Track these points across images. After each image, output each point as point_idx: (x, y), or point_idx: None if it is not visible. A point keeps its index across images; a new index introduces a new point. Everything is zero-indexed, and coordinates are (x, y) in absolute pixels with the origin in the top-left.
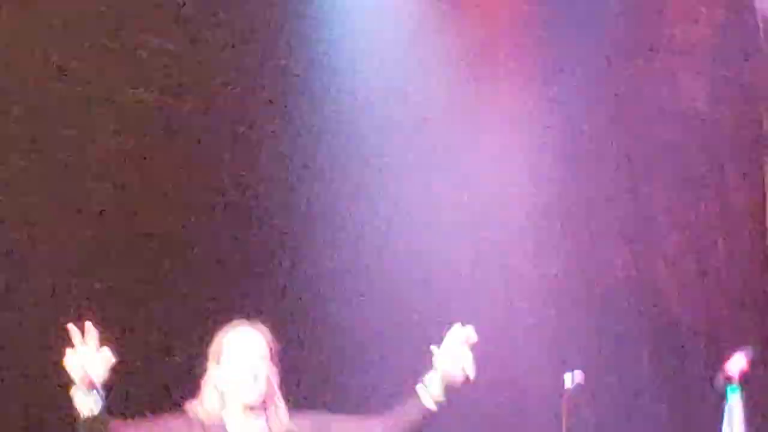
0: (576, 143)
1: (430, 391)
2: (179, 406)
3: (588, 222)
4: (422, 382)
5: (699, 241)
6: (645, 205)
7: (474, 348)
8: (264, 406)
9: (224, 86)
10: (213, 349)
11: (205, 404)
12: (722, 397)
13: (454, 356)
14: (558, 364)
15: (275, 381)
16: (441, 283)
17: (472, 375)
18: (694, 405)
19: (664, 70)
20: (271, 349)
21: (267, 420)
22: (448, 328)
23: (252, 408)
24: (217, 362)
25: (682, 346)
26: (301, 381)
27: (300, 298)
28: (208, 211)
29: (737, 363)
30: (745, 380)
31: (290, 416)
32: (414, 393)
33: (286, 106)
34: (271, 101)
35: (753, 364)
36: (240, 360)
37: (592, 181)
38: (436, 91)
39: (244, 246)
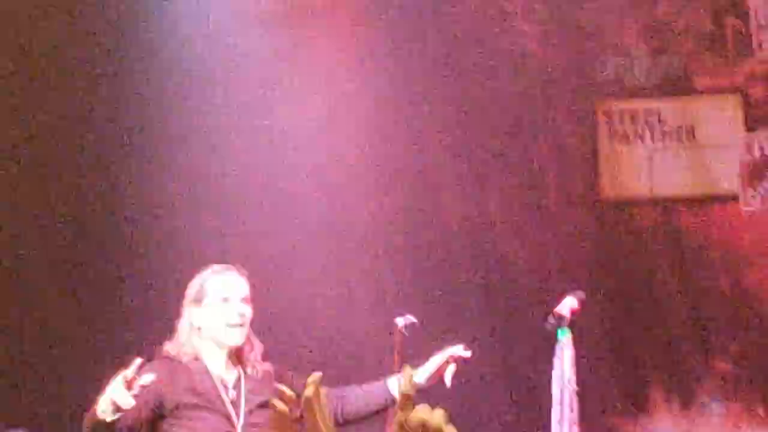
0: (408, 87)
1: (401, 383)
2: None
3: (420, 165)
4: (395, 376)
5: (532, 183)
6: (479, 148)
7: (306, 298)
8: (241, 351)
9: None
10: (192, 291)
11: (184, 346)
12: (552, 338)
13: (443, 368)
14: (391, 307)
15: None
16: (271, 233)
17: (448, 385)
18: (524, 345)
19: (497, 13)
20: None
21: (245, 361)
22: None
23: (233, 349)
24: (198, 304)
25: (515, 287)
26: None
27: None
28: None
29: (568, 304)
30: (575, 321)
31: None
32: (381, 380)
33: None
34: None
35: (583, 305)
36: (227, 303)
37: (424, 125)
38: (257, 40)
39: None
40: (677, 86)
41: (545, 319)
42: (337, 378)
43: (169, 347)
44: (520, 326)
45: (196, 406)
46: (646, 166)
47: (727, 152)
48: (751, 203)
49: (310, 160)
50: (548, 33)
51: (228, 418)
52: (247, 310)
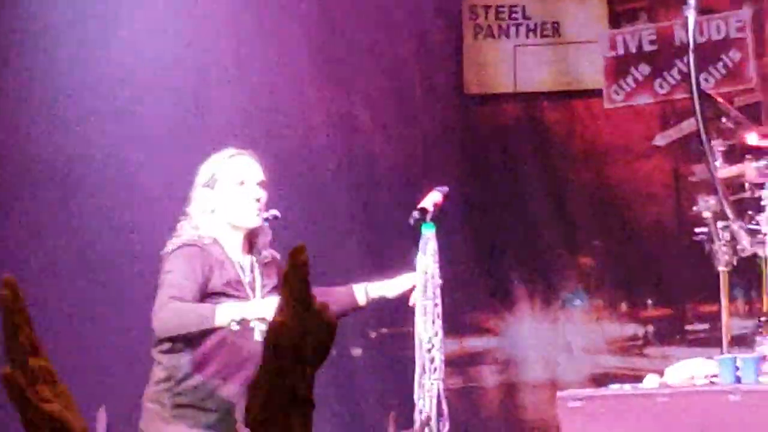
0: None
1: (368, 292)
2: None
3: (283, 60)
4: (364, 285)
5: (397, 78)
6: (342, 42)
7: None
8: (253, 236)
9: None
10: (206, 175)
11: (201, 228)
12: (417, 232)
13: (411, 289)
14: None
15: None
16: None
17: (411, 305)
18: (389, 239)
19: None
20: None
21: (257, 244)
22: None
23: (248, 232)
24: (212, 187)
25: (380, 182)
26: None
27: None
28: None
29: (432, 199)
30: (440, 216)
31: None
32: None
33: None
34: None
35: (447, 200)
36: (243, 186)
37: (286, 19)
38: None
39: None
40: None
41: (410, 213)
42: None
43: (186, 230)
44: (386, 221)
45: (221, 293)
46: (510, 61)
47: (592, 48)
48: (614, 99)
49: (163, 59)
50: None
51: (247, 300)
52: (263, 195)
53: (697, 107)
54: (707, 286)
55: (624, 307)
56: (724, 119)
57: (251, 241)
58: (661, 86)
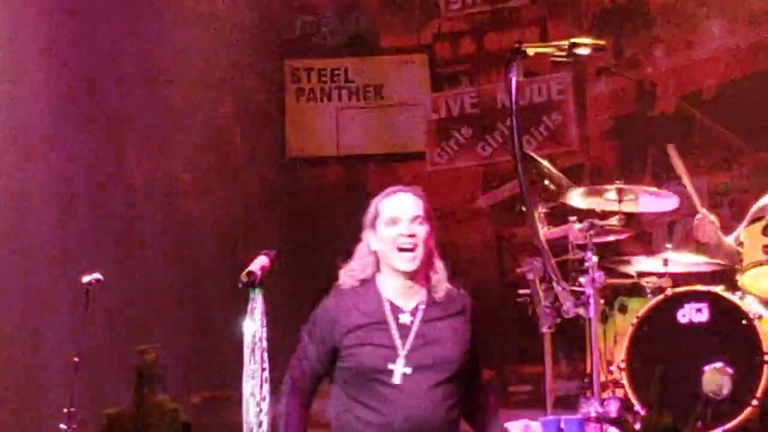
0: (94, 56)
1: None
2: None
3: (101, 125)
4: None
5: (218, 142)
6: (161, 104)
7: None
8: (421, 275)
9: None
10: (368, 216)
11: (353, 270)
12: (245, 296)
13: None
14: (76, 266)
15: (430, 244)
16: None
17: None
18: (213, 303)
19: None
20: (426, 211)
21: (428, 289)
22: None
23: (410, 275)
24: (373, 228)
25: (202, 245)
26: None
27: None
28: None
29: (259, 262)
30: (267, 279)
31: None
32: None
33: None
34: None
35: (273, 263)
36: (395, 224)
37: (103, 87)
38: None
39: None
40: (364, 45)
41: (237, 277)
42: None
43: (341, 273)
44: (210, 285)
45: (359, 327)
46: (333, 125)
47: (414, 111)
48: (437, 162)
49: None
50: None
51: (392, 342)
52: (419, 230)
53: (520, 170)
54: (530, 348)
55: None
56: (546, 181)
57: (429, 285)
58: (483, 149)
